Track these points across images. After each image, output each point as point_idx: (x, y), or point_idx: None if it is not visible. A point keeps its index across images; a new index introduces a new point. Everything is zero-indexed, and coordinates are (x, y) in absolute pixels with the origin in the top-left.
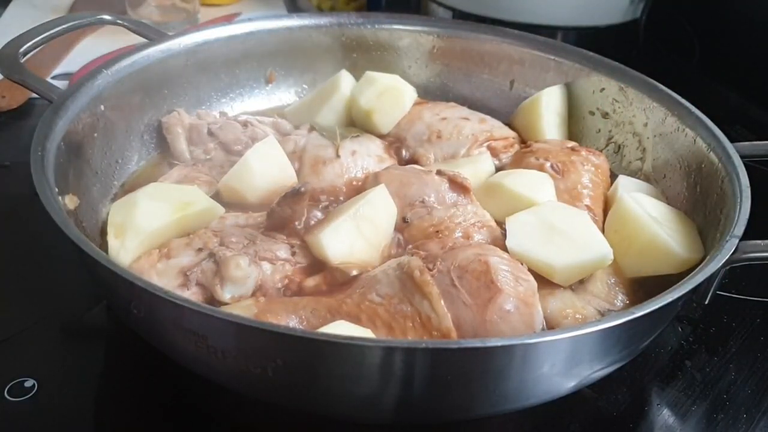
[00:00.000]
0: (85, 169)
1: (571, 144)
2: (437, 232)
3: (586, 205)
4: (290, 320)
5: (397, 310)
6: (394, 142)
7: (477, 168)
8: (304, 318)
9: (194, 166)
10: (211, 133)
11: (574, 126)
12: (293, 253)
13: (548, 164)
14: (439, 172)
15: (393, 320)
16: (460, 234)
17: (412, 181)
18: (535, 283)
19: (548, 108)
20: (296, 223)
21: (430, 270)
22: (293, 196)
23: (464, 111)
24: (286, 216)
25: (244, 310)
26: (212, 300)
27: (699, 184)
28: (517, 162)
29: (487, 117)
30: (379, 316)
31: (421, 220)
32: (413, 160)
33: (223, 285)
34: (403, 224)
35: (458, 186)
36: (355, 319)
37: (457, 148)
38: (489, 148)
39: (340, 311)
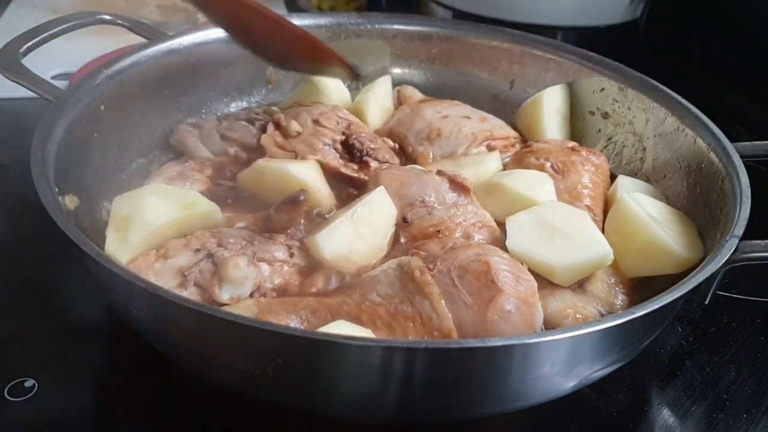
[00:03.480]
0: (85, 169)
1: (572, 144)
2: (438, 232)
3: (586, 205)
4: (291, 321)
5: (397, 311)
6: (395, 140)
7: (483, 167)
8: (305, 318)
9: (186, 164)
10: (224, 138)
11: (575, 126)
12: (291, 255)
13: (548, 164)
14: (439, 172)
15: (394, 320)
16: (460, 234)
17: (412, 181)
18: (535, 283)
19: (549, 107)
20: (292, 229)
21: (430, 270)
22: (292, 203)
23: (467, 109)
24: (283, 222)
25: (244, 310)
26: (210, 301)
27: (699, 184)
28: (518, 162)
29: (489, 116)
30: (379, 316)
31: (421, 220)
32: (413, 159)
33: (222, 285)
34: (403, 224)
35: (458, 186)
36: (356, 320)
37: (455, 146)
38: (488, 147)
39: (341, 311)
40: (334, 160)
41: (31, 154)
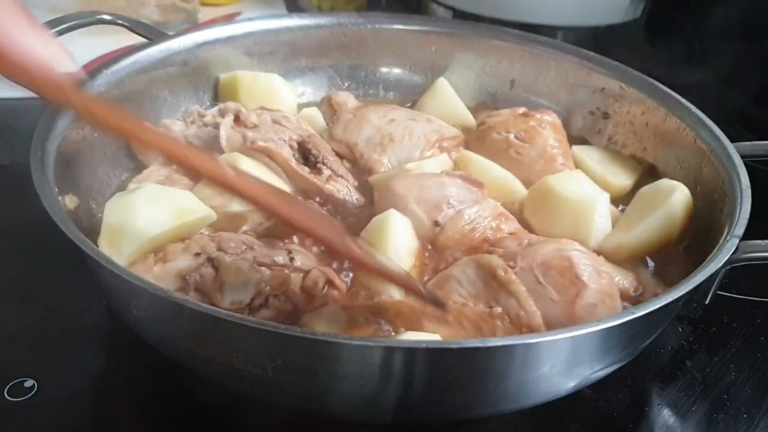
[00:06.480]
0: (85, 169)
1: (522, 110)
2: (473, 229)
3: (562, 164)
4: (372, 328)
5: (483, 310)
6: (343, 149)
7: (441, 166)
8: (390, 322)
9: (172, 167)
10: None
11: (575, 126)
12: (291, 259)
13: (512, 136)
14: (447, 174)
15: (480, 320)
16: (493, 226)
17: (429, 185)
18: (613, 275)
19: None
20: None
21: (512, 268)
22: None
23: (408, 112)
24: (286, 233)
25: (330, 317)
26: (211, 305)
27: (699, 184)
28: (481, 140)
29: (431, 116)
30: (466, 316)
31: (453, 220)
32: (366, 169)
33: (223, 290)
34: (435, 228)
35: (474, 182)
36: (442, 321)
37: (410, 151)
38: (440, 148)
39: (425, 313)
40: (287, 154)
41: (31, 154)
